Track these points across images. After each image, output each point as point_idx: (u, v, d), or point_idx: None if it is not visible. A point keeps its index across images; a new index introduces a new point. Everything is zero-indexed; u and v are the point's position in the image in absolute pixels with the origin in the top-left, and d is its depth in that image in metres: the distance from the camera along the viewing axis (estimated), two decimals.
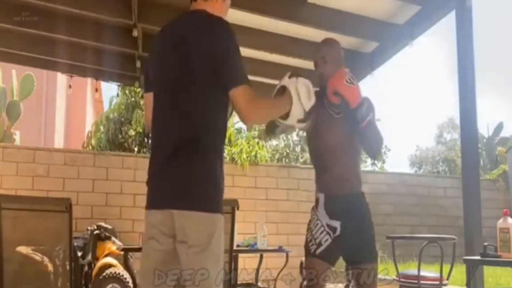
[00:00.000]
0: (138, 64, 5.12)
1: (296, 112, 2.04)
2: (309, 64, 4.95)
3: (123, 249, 4.40)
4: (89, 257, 4.76)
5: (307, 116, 2.08)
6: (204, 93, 1.85)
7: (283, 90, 2.07)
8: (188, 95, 1.87)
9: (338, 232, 2.47)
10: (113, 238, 5.29)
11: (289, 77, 2.08)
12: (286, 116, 2.04)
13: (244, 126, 11.97)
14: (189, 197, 1.81)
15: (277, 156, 10.59)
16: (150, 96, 2.04)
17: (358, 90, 2.37)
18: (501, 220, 2.72)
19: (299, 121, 2.07)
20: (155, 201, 1.91)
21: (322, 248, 2.48)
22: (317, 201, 2.58)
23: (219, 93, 1.86)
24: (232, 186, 6.82)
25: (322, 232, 2.49)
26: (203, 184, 1.83)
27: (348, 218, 2.47)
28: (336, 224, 2.47)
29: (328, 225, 2.49)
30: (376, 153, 2.62)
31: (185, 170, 1.83)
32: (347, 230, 2.46)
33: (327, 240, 2.47)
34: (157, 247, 1.90)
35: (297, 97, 2.03)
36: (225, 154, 7.71)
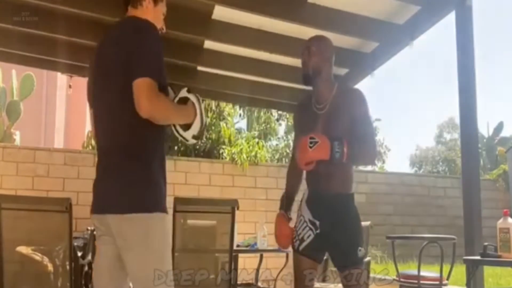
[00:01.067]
0: None
1: (196, 126, 2.03)
2: None
3: None
4: (89, 257, 4.76)
5: (200, 135, 2.07)
6: (127, 95, 1.83)
7: (184, 102, 2.04)
8: (113, 101, 1.91)
9: (318, 230, 2.44)
10: None
11: (187, 91, 2.06)
12: (186, 127, 2.03)
13: (244, 126, 12.01)
14: (120, 200, 1.86)
15: (277, 156, 10.58)
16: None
17: (324, 143, 2.25)
18: (501, 220, 2.72)
19: (194, 137, 2.05)
20: (94, 206, 1.99)
21: (304, 244, 2.46)
22: (303, 196, 2.57)
23: None
24: (232, 186, 6.82)
25: (305, 228, 2.47)
26: (135, 186, 1.85)
27: (329, 219, 2.41)
28: (316, 222, 2.45)
29: (310, 221, 2.46)
30: (370, 164, 2.60)
31: (115, 174, 1.89)
32: (326, 231, 2.42)
33: (309, 236, 2.45)
34: (105, 242, 1.97)
35: (199, 112, 2.03)
36: (225, 154, 7.74)
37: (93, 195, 2.01)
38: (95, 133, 2.09)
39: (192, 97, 2.04)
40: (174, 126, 2.03)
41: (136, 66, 1.82)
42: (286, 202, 2.66)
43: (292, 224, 2.59)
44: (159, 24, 2.09)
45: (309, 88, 2.58)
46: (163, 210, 1.89)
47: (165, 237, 1.90)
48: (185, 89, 2.06)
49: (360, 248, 2.39)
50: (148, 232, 1.83)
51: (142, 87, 1.78)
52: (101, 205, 1.94)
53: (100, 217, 1.95)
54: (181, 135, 2.04)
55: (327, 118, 2.43)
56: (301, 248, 2.47)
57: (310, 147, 2.25)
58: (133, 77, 1.79)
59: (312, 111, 2.51)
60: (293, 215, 2.62)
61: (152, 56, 1.85)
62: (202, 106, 2.06)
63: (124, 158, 1.87)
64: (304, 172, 2.59)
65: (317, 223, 2.44)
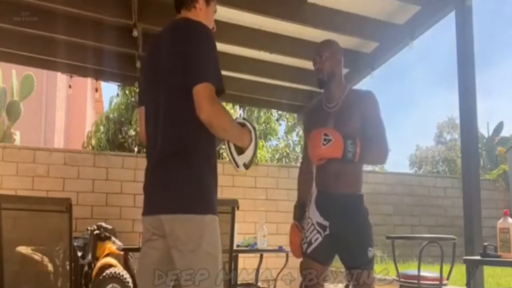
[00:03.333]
0: (138, 64, 5.12)
1: (249, 154, 2.03)
2: (308, 64, 4.97)
3: (123, 249, 4.40)
4: (89, 257, 4.77)
5: (250, 165, 2.06)
6: (183, 98, 1.84)
7: (242, 126, 2.04)
8: (169, 102, 1.91)
9: (327, 231, 2.43)
10: (113, 238, 5.29)
11: (244, 119, 2.07)
12: (240, 151, 2.02)
13: None
14: (175, 201, 1.85)
15: (277, 156, 10.57)
16: (142, 110, 2.10)
17: (337, 142, 2.27)
18: (501, 220, 2.72)
19: (245, 165, 2.05)
20: (147, 208, 1.98)
21: (312, 247, 2.46)
22: (311, 195, 2.57)
23: None
24: (232, 186, 6.82)
25: (312, 230, 2.47)
26: (188, 188, 1.85)
27: (339, 219, 2.41)
28: (326, 223, 2.44)
29: (318, 223, 2.46)
30: (381, 164, 2.61)
31: (170, 176, 1.87)
32: (337, 232, 2.41)
33: (317, 238, 2.45)
34: (153, 246, 1.97)
35: (255, 142, 2.04)
36: (225, 154, 7.73)
37: (145, 197, 2.00)
38: (145, 135, 2.06)
39: (249, 125, 2.04)
40: (229, 146, 2.03)
41: (196, 71, 1.82)
42: (299, 211, 2.66)
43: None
44: (211, 23, 2.12)
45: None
46: (215, 212, 1.90)
47: (216, 239, 1.89)
48: (243, 116, 2.07)
49: (370, 248, 2.40)
50: (201, 235, 1.83)
51: (203, 92, 1.79)
52: (154, 207, 1.93)
53: (152, 218, 1.94)
54: (233, 158, 2.04)
55: (338, 115, 2.46)
56: (309, 251, 2.47)
57: (324, 144, 2.27)
58: (194, 82, 1.80)
59: (323, 110, 2.54)
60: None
61: (210, 61, 1.86)
62: (257, 140, 2.06)
63: (177, 161, 1.87)
64: (314, 171, 2.59)
65: (326, 224, 2.44)
